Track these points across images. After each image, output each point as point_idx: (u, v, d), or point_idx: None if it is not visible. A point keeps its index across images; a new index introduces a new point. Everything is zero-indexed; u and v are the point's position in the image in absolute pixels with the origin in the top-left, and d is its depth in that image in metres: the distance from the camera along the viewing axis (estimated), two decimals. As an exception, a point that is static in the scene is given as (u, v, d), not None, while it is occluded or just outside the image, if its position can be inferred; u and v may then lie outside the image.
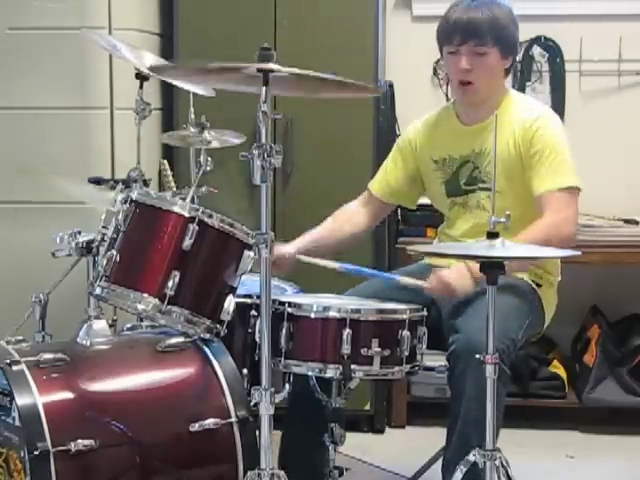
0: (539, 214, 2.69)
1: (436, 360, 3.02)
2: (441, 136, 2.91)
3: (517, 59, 3.95)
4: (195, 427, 2.34)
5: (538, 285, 2.81)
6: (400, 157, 2.99)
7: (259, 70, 2.16)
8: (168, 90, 3.71)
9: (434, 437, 2.87)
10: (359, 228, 3.01)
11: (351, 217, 3.00)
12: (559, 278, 2.89)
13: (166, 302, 2.40)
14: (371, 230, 3.19)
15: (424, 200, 3.20)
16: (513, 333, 2.58)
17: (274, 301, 2.41)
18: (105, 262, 2.44)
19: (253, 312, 2.63)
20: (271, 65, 2.16)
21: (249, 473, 2.24)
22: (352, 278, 2.90)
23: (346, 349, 2.38)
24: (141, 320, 2.83)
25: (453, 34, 2.75)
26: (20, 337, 2.48)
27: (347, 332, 2.38)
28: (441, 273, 2.60)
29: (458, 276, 2.58)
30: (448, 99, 3.83)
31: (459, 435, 2.52)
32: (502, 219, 2.25)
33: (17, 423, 2.22)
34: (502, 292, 2.37)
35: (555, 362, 3.92)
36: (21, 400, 2.22)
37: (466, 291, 2.58)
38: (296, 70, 2.18)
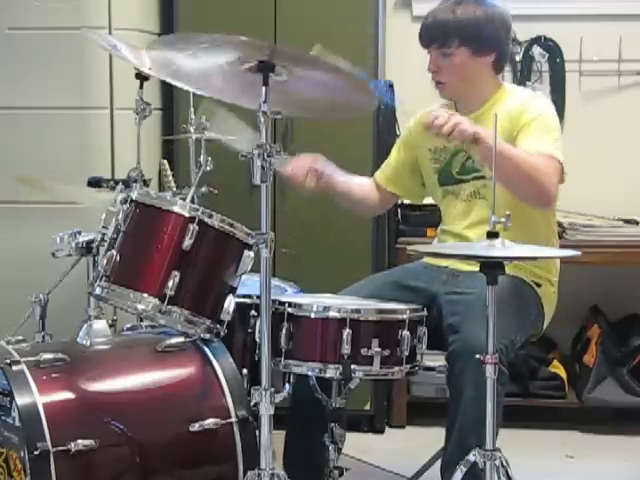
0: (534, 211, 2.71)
1: (436, 360, 3.02)
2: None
3: (517, 58, 3.99)
4: (195, 427, 2.34)
5: (537, 285, 2.80)
6: (402, 146, 3.04)
7: (260, 62, 2.17)
8: (168, 90, 3.71)
9: (434, 437, 2.86)
10: (372, 204, 3.07)
11: (371, 190, 3.05)
12: (557, 278, 2.89)
13: (166, 302, 2.40)
14: (376, 214, 3.24)
15: (425, 200, 3.20)
16: (512, 333, 2.58)
17: (274, 301, 2.41)
18: (105, 262, 2.44)
19: (253, 312, 2.64)
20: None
21: (249, 473, 2.25)
22: (352, 278, 2.90)
23: (346, 349, 2.38)
24: (141, 320, 2.83)
25: (420, 37, 2.82)
26: (20, 337, 2.48)
27: (347, 332, 2.38)
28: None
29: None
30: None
31: (457, 435, 2.52)
32: (502, 219, 2.25)
33: (17, 423, 2.22)
34: (501, 292, 2.36)
35: (555, 362, 3.92)
36: (21, 400, 2.22)
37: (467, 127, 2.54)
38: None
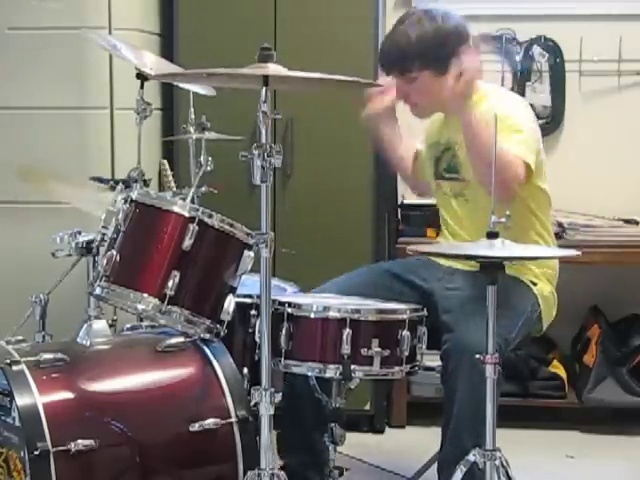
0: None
1: (436, 360, 3.02)
2: (438, 119, 2.94)
3: (517, 58, 3.99)
4: (195, 427, 2.35)
5: (534, 283, 2.80)
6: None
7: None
8: (168, 90, 3.71)
9: (434, 437, 2.86)
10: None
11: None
12: (555, 279, 2.88)
13: (166, 302, 2.40)
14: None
15: (424, 200, 3.20)
16: (506, 332, 2.58)
17: (274, 301, 2.41)
18: (105, 262, 2.44)
19: (253, 312, 2.64)
20: (270, 66, 2.17)
21: (249, 473, 2.24)
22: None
23: (346, 349, 2.38)
24: (141, 320, 2.83)
25: (381, 64, 2.81)
26: (20, 337, 2.48)
27: (347, 332, 2.38)
28: None
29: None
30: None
31: (452, 434, 2.52)
32: (502, 219, 2.25)
33: (17, 423, 2.22)
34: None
35: (555, 362, 3.92)
36: (21, 400, 2.23)
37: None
38: (296, 74, 2.18)
